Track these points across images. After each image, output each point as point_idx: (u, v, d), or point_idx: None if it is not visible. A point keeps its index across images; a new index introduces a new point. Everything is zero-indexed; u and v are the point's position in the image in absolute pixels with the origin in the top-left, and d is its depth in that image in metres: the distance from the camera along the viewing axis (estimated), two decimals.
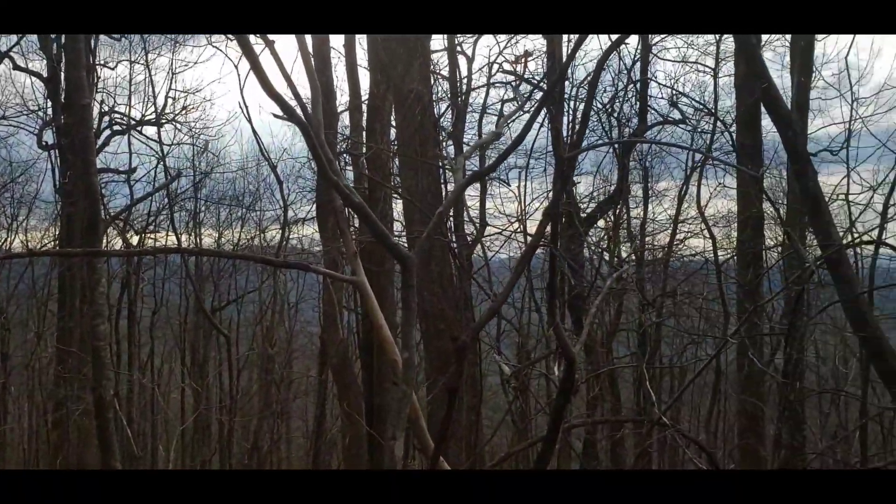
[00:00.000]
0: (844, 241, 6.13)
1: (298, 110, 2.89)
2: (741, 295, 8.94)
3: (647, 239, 12.89)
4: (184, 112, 15.10)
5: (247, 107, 16.26)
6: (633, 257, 12.23)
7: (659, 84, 11.98)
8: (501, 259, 12.60)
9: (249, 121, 15.45)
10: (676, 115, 12.11)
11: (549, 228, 3.77)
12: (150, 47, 13.69)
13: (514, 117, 5.03)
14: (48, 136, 14.57)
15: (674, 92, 11.91)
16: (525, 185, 12.28)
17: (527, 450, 9.50)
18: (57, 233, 14.61)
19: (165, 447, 14.76)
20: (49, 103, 14.30)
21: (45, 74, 14.04)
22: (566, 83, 11.03)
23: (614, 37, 4.43)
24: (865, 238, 6.79)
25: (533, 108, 4.10)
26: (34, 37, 14.04)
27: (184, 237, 16.25)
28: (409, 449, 9.93)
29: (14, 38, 14.33)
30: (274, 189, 15.54)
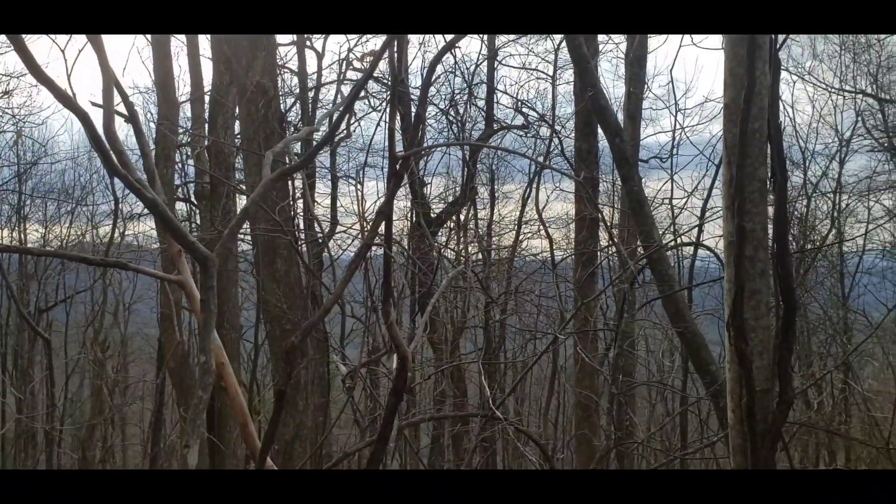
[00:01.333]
0: (666, 242, 6.57)
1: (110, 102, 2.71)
2: (576, 293, 9.38)
3: (493, 239, 13.26)
4: (6, 97, 13.88)
5: (74, 94, 15.10)
6: (481, 256, 12.54)
7: (502, 92, 12.36)
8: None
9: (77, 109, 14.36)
10: (520, 119, 12.55)
11: (382, 228, 3.77)
12: None
13: (328, 114, 4.98)
14: None
15: (517, 98, 12.32)
16: (372, 185, 12.28)
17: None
18: None
19: None
20: None
21: None
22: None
23: (450, 37, 4.50)
24: (685, 239, 7.34)
25: (350, 98, 4.09)
26: None
27: (5, 233, 14.96)
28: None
29: None
30: (108, 181, 14.58)
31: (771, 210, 3.58)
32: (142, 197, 2.54)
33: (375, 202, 11.20)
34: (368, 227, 11.51)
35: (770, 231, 3.51)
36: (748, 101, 3.27)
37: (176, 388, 12.14)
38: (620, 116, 10.92)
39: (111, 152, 2.50)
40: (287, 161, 10.13)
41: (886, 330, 10.52)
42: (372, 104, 12.43)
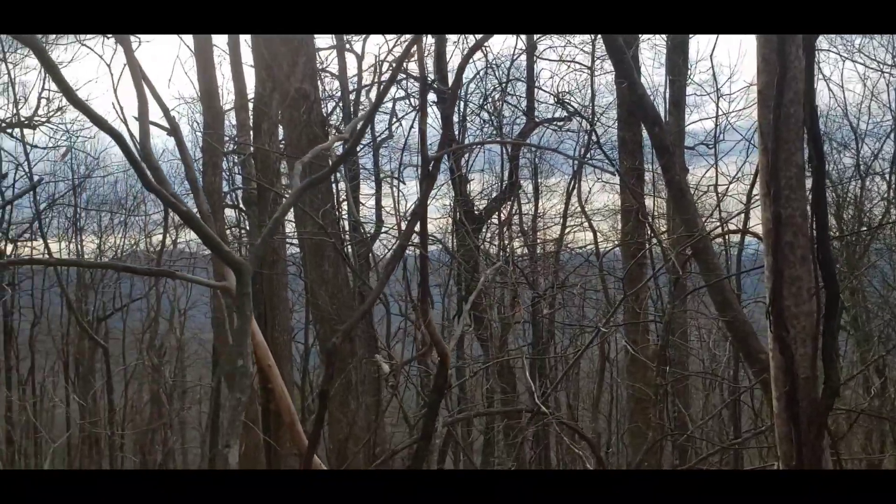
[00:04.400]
0: (710, 230, 6.47)
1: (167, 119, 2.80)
2: (624, 285, 9.29)
3: (538, 233, 13.21)
4: (59, 113, 14.34)
5: (121, 107, 15.49)
6: (527, 251, 12.50)
7: (539, 88, 12.29)
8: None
9: (124, 122, 14.71)
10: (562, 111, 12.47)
11: (418, 227, 3.81)
12: (12, 46, 12.86)
13: (359, 121, 5.03)
14: None
15: (556, 91, 12.24)
16: (413, 185, 12.33)
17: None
18: None
19: (50, 464, 14.04)
20: None
21: None
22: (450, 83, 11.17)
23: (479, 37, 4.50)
24: (731, 226, 7.22)
25: (375, 101, 4.13)
26: None
27: (63, 245, 15.46)
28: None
29: None
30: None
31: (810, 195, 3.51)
32: (177, 210, 2.63)
33: (396, 202, 11.27)
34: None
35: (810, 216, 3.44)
36: (780, 86, 3.21)
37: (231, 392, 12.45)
38: (664, 104, 10.77)
39: (146, 169, 2.59)
40: (329, 163, 10.28)
41: None
42: (412, 104, 12.49)
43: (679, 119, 10.77)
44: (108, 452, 14.15)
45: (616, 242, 11.24)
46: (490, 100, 11.97)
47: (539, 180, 13.55)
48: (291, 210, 11.38)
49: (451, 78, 12.02)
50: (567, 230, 12.47)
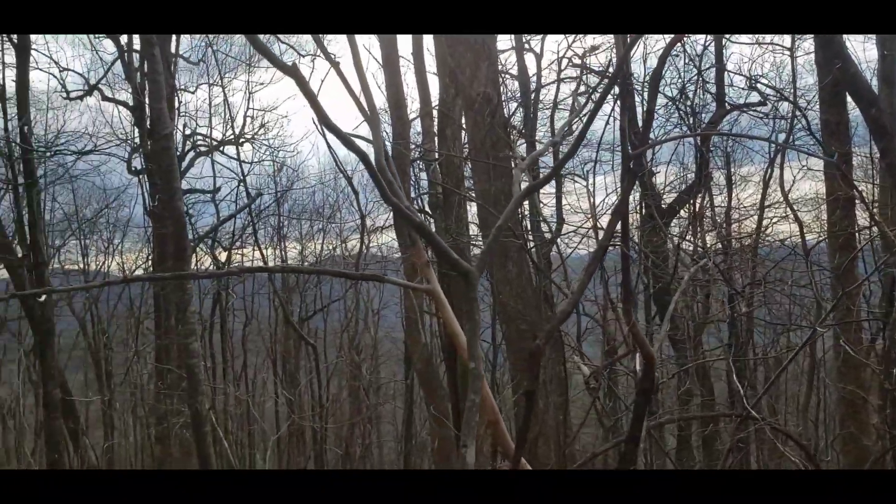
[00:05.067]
0: None
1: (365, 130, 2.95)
2: (834, 280, 8.57)
3: (732, 226, 12.49)
4: (262, 130, 15.57)
5: (317, 118, 16.55)
6: (720, 246, 11.87)
7: (730, 73, 11.64)
8: (582, 255, 12.45)
9: (324, 135, 15.69)
10: (755, 97, 11.73)
11: (619, 226, 3.72)
12: (226, 69, 14.17)
13: (579, 115, 4.99)
14: (136, 162, 15.30)
15: (751, 74, 11.52)
16: (598, 180, 12.10)
17: (616, 450, 9.35)
18: (149, 254, 15.31)
19: (263, 456, 15.23)
20: (136, 131, 15.01)
21: (130, 103, 14.74)
22: (636, 77, 10.87)
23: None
24: None
25: (594, 105, 4.07)
26: (119, 69, 14.75)
27: (269, 251, 16.73)
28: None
29: (101, 70, 15.09)
30: (353, 199, 15.84)
31: None
32: (410, 221, 2.76)
33: (604, 198, 11.04)
34: (601, 226, 11.42)
35: None
36: None
37: (424, 388, 12.84)
38: (874, 83, 9.83)
39: (384, 183, 2.74)
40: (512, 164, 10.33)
41: None
42: (594, 100, 12.27)
43: (892, 98, 9.77)
44: (312, 445, 15.12)
45: (823, 234, 10.39)
46: (684, 88, 11.48)
47: (732, 169, 12.83)
48: (473, 211, 11.60)
49: (634, 68, 11.73)
50: (765, 222, 11.70)
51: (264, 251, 16.08)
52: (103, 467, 12.71)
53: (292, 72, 2.52)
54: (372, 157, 2.78)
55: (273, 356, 16.41)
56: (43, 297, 9.64)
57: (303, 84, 2.54)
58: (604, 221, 11.51)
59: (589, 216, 10.51)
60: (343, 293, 16.95)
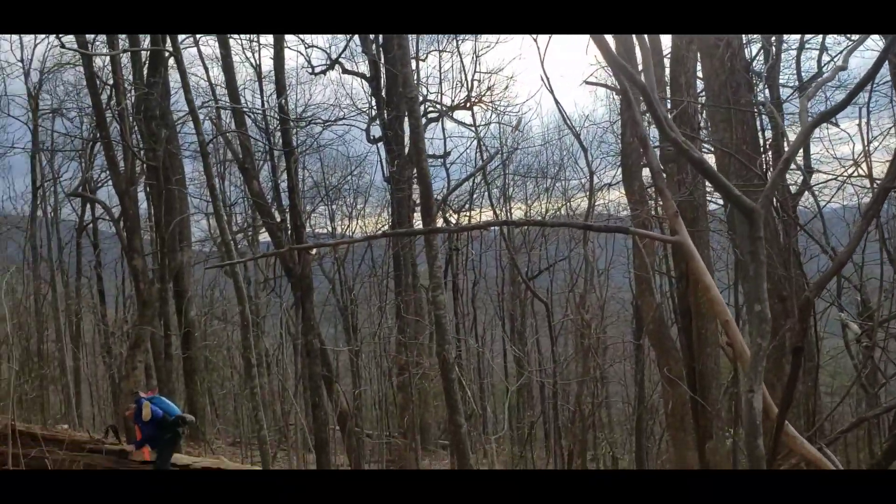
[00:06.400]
0: None
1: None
2: None
3: None
4: (489, 93, 15.87)
5: (548, 78, 16.56)
6: None
7: None
8: (834, 208, 11.39)
9: (552, 91, 15.67)
10: None
11: None
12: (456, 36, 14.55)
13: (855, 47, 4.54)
14: (375, 131, 16.26)
15: None
16: (850, 126, 10.92)
17: (878, 419, 8.54)
18: (389, 217, 16.28)
19: (492, 408, 15.80)
20: (373, 100, 15.93)
21: (367, 74, 15.64)
22: None
23: None
24: None
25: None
26: (357, 41, 15.68)
27: (495, 213, 17.10)
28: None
29: (341, 45, 16.13)
30: (578, 157, 15.72)
31: None
32: (689, 157, 2.70)
33: (865, 140, 9.96)
34: (857, 172, 10.37)
35: None
36: None
37: (655, 349, 12.56)
38: None
39: (662, 118, 2.71)
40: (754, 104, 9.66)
41: None
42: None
43: None
44: (539, 402, 15.40)
45: None
46: None
47: None
48: (712, 160, 11.00)
49: None
50: None
51: (491, 213, 16.45)
52: (353, 413, 13.84)
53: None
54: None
55: (502, 314, 16.86)
56: (314, 251, 10.62)
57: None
58: (864, 168, 10.44)
59: (846, 164, 9.57)
60: (568, 252, 16.95)
